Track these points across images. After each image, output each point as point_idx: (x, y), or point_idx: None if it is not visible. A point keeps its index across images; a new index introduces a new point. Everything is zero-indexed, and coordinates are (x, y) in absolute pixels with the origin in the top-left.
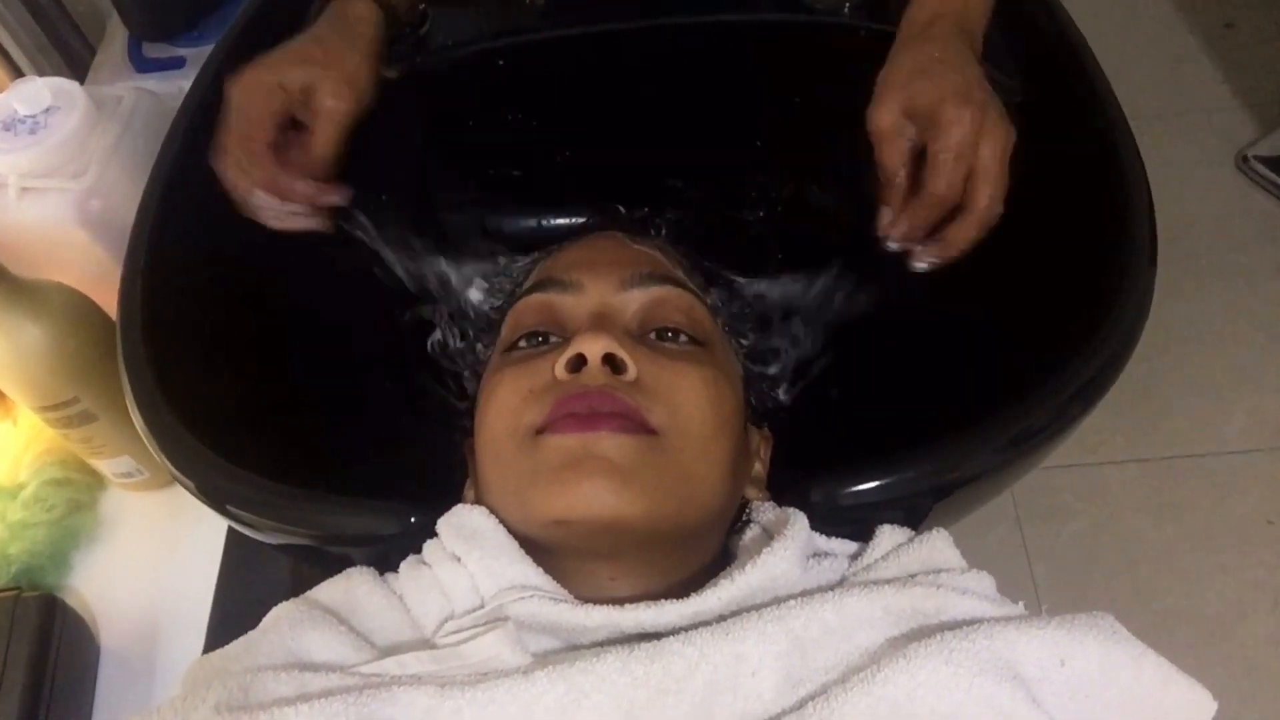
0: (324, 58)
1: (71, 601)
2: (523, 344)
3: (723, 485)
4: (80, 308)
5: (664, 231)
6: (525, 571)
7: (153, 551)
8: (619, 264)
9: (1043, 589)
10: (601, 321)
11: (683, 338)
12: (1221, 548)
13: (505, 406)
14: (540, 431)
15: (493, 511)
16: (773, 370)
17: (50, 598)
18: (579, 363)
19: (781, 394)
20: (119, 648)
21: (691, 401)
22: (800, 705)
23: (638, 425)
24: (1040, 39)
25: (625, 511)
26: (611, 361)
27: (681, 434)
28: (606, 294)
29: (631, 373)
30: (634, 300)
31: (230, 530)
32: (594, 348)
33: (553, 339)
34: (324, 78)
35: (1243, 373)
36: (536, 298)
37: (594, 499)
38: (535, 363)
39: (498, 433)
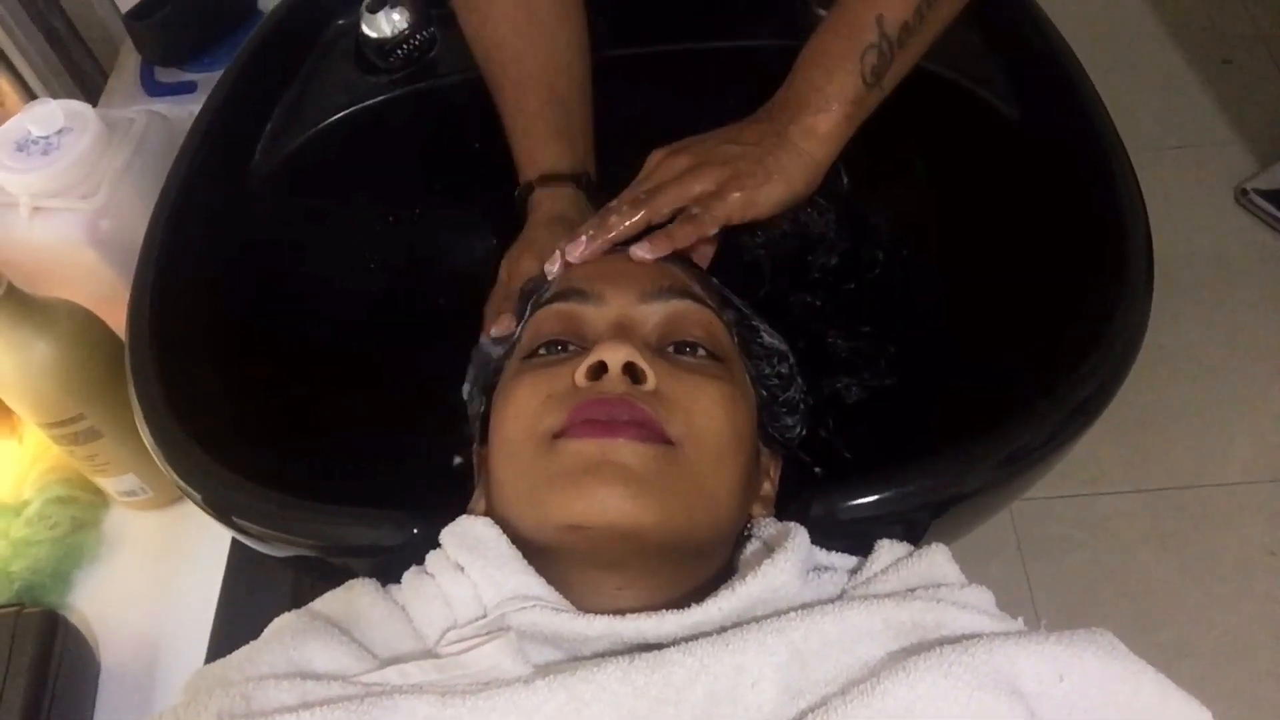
0: None
1: (73, 619)
2: (542, 351)
3: (734, 500)
4: (88, 325)
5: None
6: (528, 582)
7: (155, 571)
8: (640, 277)
9: (1044, 619)
10: (623, 331)
11: (700, 352)
12: (1223, 579)
13: (523, 410)
14: (558, 436)
15: (505, 517)
16: (780, 399)
17: (51, 614)
18: (599, 370)
19: (792, 422)
20: (119, 666)
21: (709, 415)
22: (800, 717)
23: (656, 435)
24: (1037, 67)
25: (639, 519)
26: (632, 371)
27: (698, 446)
28: (627, 305)
29: (651, 383)
30: (654, 313)
31: (232, 550)
32: (615, 356)
33: (571, 348)
34: None
35: (1243, 404)
36: (557, 307)
37: (610, 505)
38: (555, 369)
39: (514, 436)
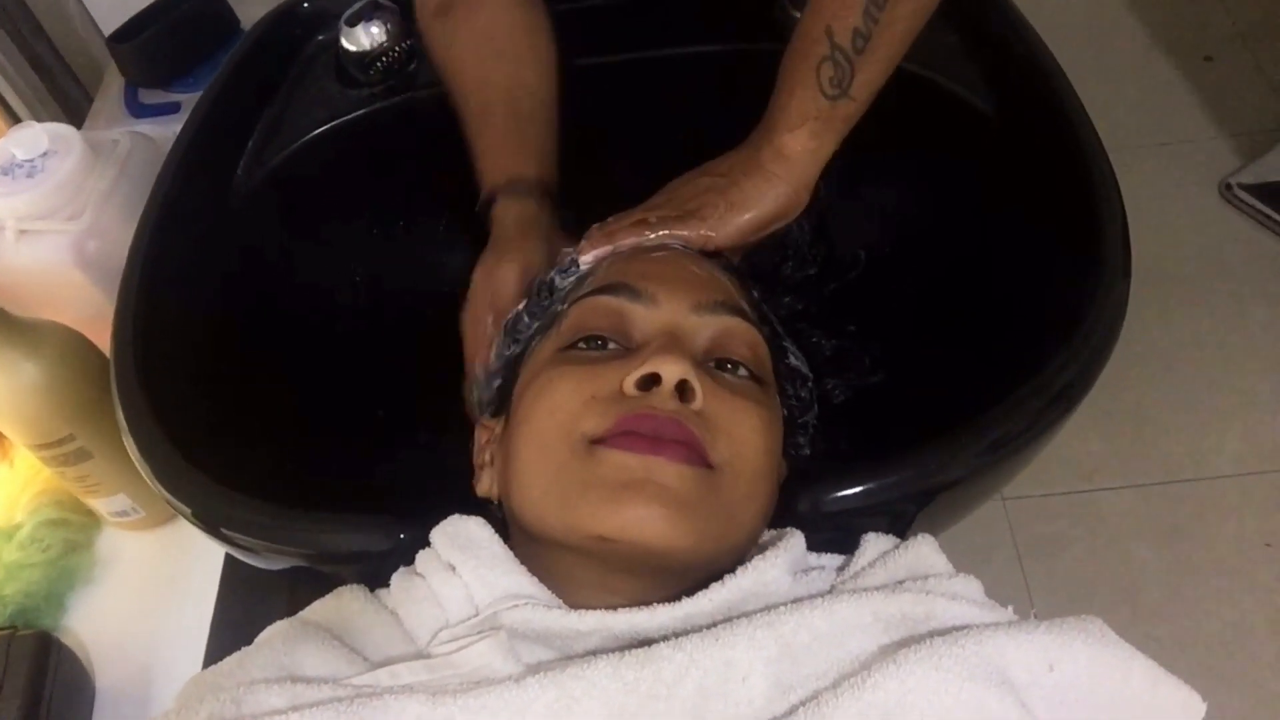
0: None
1: (67, 641)
2: (581, 345)
3: (758, 524)
4: (76, 346)
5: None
6: (520, 581)
7: (148, 591)
8: (693, 285)
9: (1042, 616)
10: (678, 344)
11: (742, 371)
12: (1220, 571)
13: (563, 407)
14: (597, 442)
15: (521, 506)
16: (799, 421)
17: (45, 636)
18: (651, 382)
19: (803, 442)
20: (114, 687)
21: (750, 442)
22: (791, 711)
23: (699, 458)
24: (1011, 62)
25: (675, 542)
26: (682, 388)
27: (735, 473)
28: (679, 314)
29: (699, 403)
30: (706, 326)
31: (225, 569)
32: (672, 371)
33: (613, 345)
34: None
35: (1235, 397)
36: (606, 301)
37: (647, 525)
38: (599, 369)
39: (548, 431)
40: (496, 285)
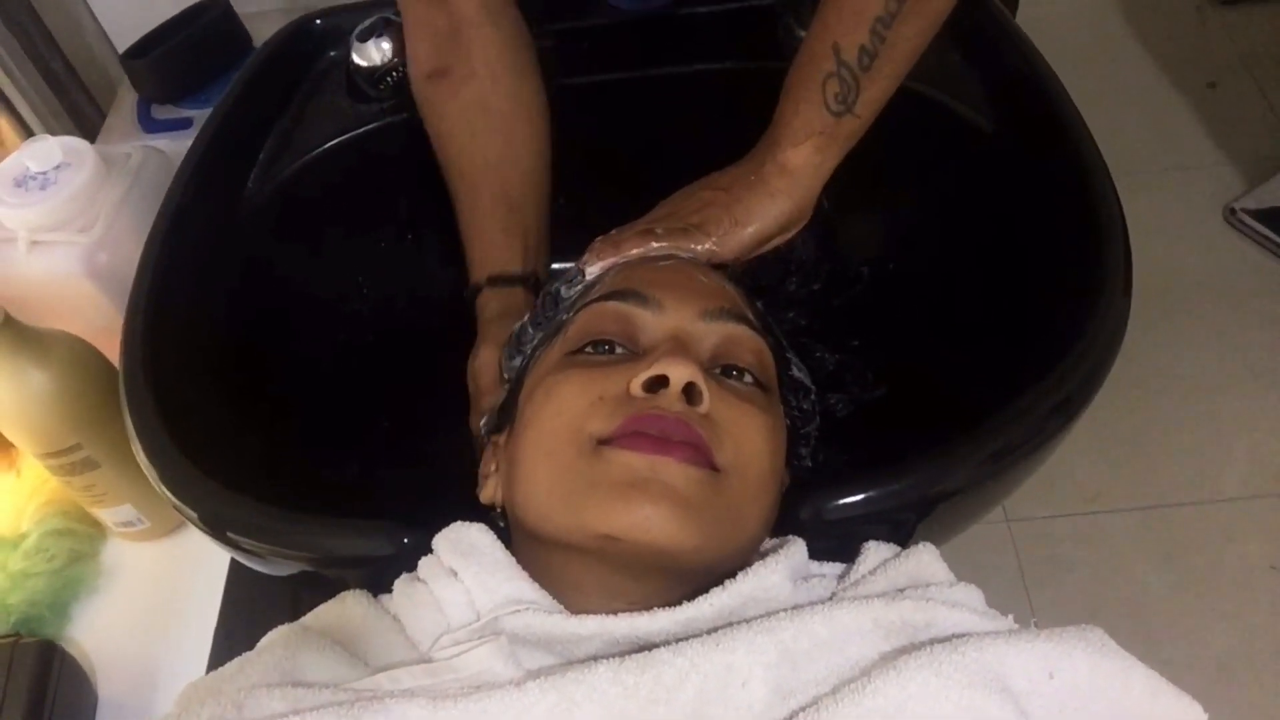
0: None
1: (71, 651)
2: (589, 349)
3: (761, 529)
4: (85, 356)
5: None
6: (521, 587)
7: (152, 602)
8: (700, 293)
9: (1035, 618)
10: (685, 348)
11: (747, 378)
12: (1224, 594)
13: (570, 408)
14: (604, 443)
15: (525, 509)
16: (801, 431)
17: (49, 644)
18: (658, 384)
19: (805, 453)
20: (117, 698)
21: (755, 445)
22: (790, 716)
23: (705, 460)
24: (1016, 82)
25: (681, 543)
26: (689, 391)
27: (740, 476)
28: (686, 320)
29: (705, 406)
30: (712, 333)
31: (229, 581)
32: (679, 373)
33: (620, 350)
34: None
35: (1240, 420)
36: (614, 306)
37: (654, 524)
38: (606, 371)
39: (555, 432)
40: (476, 370)
